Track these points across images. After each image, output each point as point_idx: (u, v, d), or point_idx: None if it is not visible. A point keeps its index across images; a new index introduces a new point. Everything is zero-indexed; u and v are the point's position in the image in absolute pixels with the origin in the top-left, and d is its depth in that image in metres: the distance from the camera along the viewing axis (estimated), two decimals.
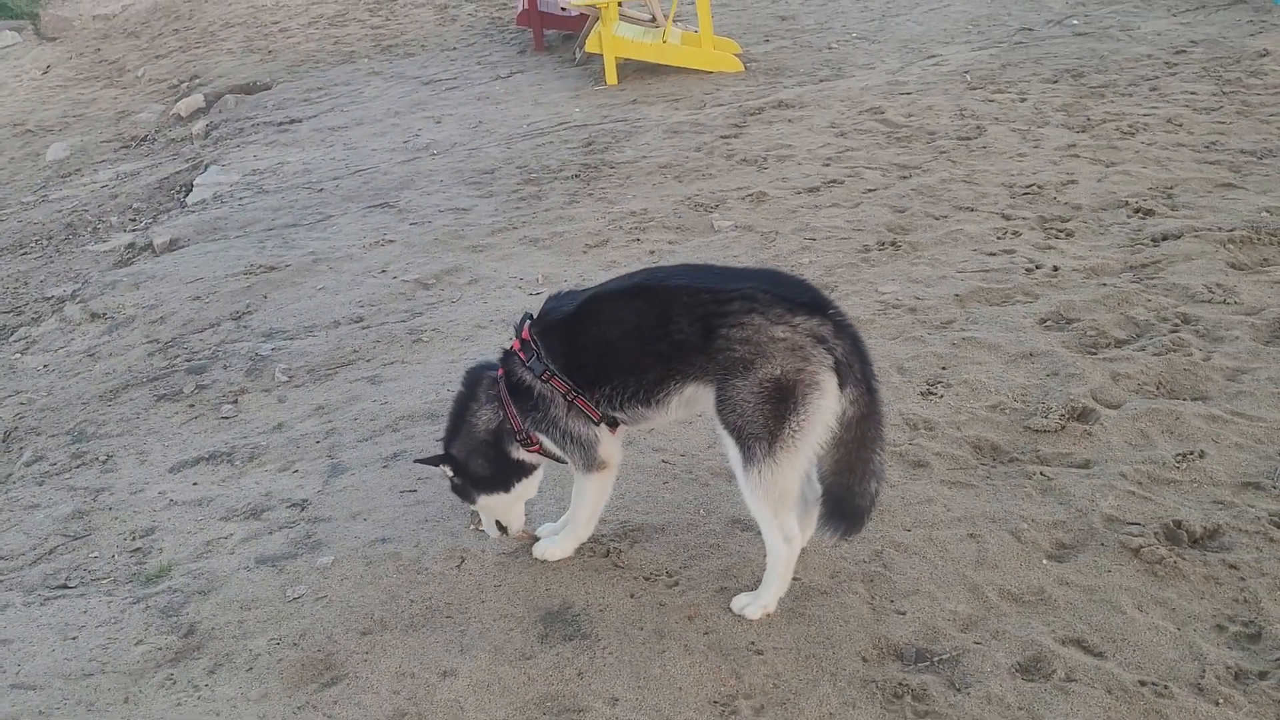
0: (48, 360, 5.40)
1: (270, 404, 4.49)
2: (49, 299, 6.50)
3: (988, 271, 4.63)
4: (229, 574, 3.21)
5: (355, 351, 4.81)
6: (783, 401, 2.51)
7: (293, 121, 9.26)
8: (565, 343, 2.78)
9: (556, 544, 3.03)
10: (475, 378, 2.99)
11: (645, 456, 3.58)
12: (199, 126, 9.89)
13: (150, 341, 5.34)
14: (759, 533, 2.89)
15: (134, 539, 3.59)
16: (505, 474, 2.95)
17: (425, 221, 6.38)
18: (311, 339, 5.02)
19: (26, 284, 6.96)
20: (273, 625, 2.91)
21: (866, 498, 2.64)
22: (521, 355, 2.82)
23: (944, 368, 3.90)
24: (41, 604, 3.20)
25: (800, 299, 2.60)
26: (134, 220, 8.01)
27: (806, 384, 2.51)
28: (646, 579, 2.93)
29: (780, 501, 2.58)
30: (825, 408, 2.53)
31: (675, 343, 2.63)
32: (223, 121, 9.81)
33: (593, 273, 5.32)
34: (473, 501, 3.02)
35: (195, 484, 3.92)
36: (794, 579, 2.81)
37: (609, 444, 2.84)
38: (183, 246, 6.63)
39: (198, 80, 11.34)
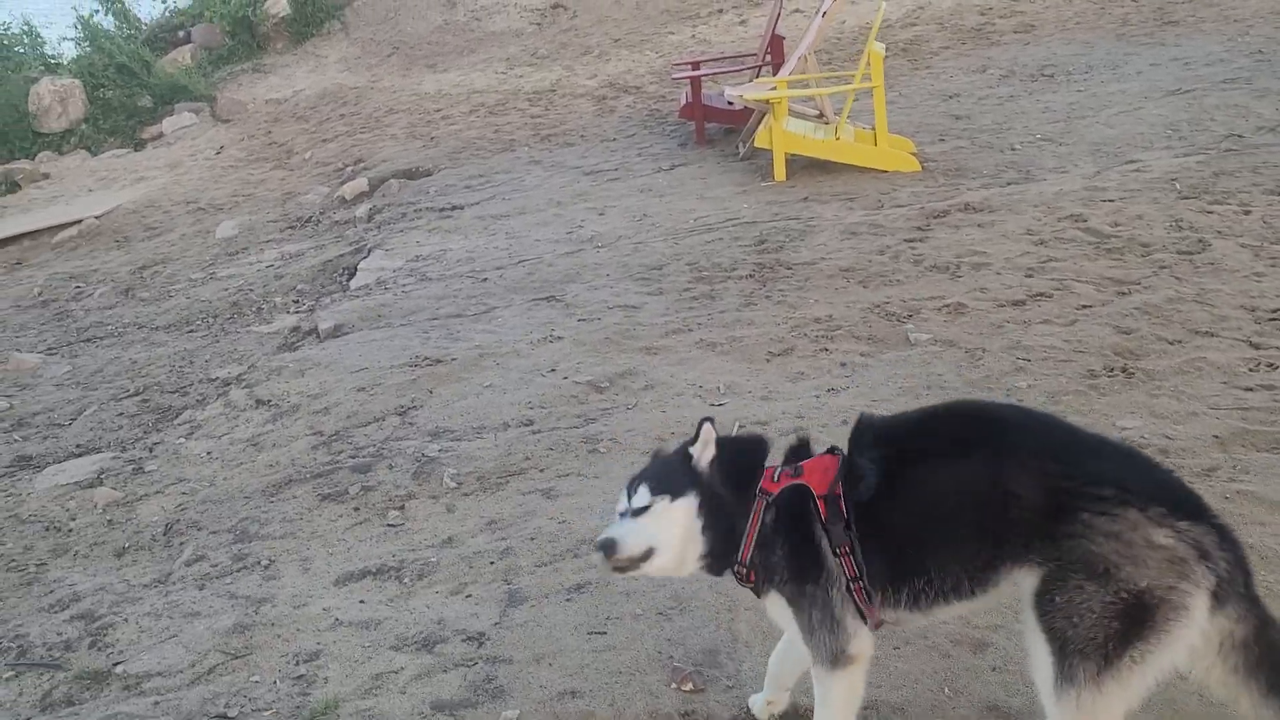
0: (211, 447, 5.26)
1: (439, 513, 4.20)
2: (214, 380, 6.45)
3: (1247, 410, 4.04)
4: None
5: (527, 459, 4.50)
6: (1137, 622, 2.02)
7: (455, 208, 9.24)
8: (884, 515, 2.22)
9: None
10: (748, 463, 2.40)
11: None
12: (362, 210, 9.99)
13: (314, 433, 5.16)
14: None
15: (298, 663, 3.29)
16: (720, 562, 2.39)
17: (594, 318, 6.11)
18: (480, 441, 4.74)
19: (192, 363, 6.96)
20: None
21: None
22: (823, 508, 2.26)
23: None
24: None
25: (1181, 499, 2.11)
26: (297, 302, 8.01)
27: (1173, 606, 2.02)
28: None
29: None
30: (1183, 638, 2.03)
31: (1011, 520, 2.13)
32: (386, 206, 9.88)
33: (778, 384, 4.92)
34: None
35: (362, 601, 3.62)
36: None
37: (865, 637, 2.31)
38: (347, 333, 6.52)
39: (362, 164, 11.54)
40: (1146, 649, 2.01)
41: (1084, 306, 5.28)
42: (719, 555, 2.36)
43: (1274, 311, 4.94)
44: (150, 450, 5.36)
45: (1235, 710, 2.14)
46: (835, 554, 2.24)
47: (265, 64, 16.77)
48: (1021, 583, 2.14)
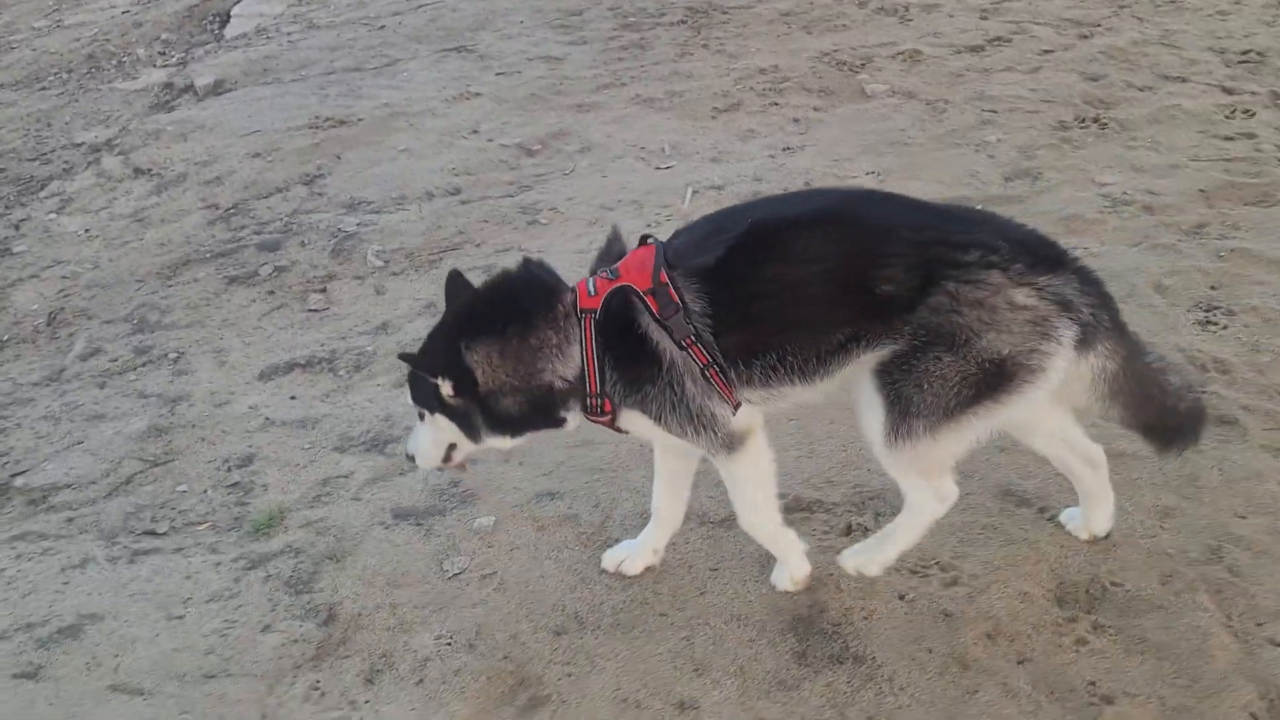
0: (88, 224, 4.64)
1: (367, 295, 3.78)
2: (79, 146, 5.67)
3: (1230, 161, 3.84)
4: (362, 531, 2.58)
5: (460, 233, 4.07)
6: (990, 386, 1.96)
7: None
8: (721, 292, 2.01)
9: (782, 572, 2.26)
10: (538, 287, 2.10)
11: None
12: None
13: (208, 206, 4.58)
14: (1040, 509, 2.38)
15: (229, 469, 2.94)
16: (526, 425, 2.13)
17: (513, 71, 5.50)
18: (403, 214, 4.27)
19: (49, 125, 6.11)
20: (436, 615, 2.29)
21: (1183, 397, 2.15)
22: (654, 304, 2.00)
23: (1214, 287, 3.16)
24: (130, 561, 2.57)
25: (1041, 252, 2.00)
26: (163, 54, 7.07)
27: (1030, 369, 1.95)
28: (913, 573, 2.28)
29: (941, 467, 2.08)
30: (1035, 395, 1.98)
31: (877, 298, 1.96)
32: None
33: (727, 143, 4.52)
34: (429, 411, 2.14)
35: (293, 398, 3.25)
36: (1115, 584, 2.18)
37: (742, 414, 2.09)
38: (230, 90, 5.77)
39: None
40: (995, 407, 1.97)
41: (1046, 51, 4.94)
42: (550, 407, 2.09)
43: (1243, 54, 4.69)
44: (16, 228, 4.71)
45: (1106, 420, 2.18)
46: (681, 347, 2.00)
47: None
48: (867, 359, 2.01)
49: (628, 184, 4.26)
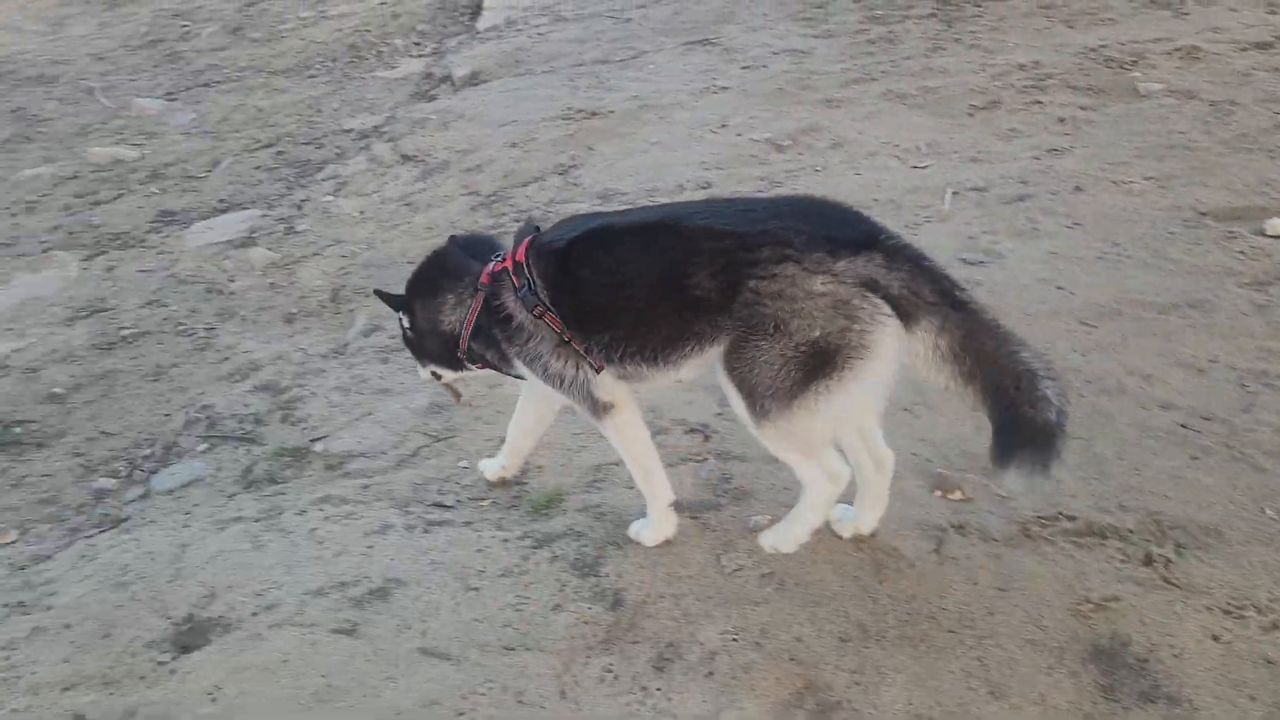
0: (363, 206, 4.97)
1: None
2: (348, 132, 6.08)
3: None
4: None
5: None
6: (818, 365, 2.14)
7: None
8: (562, 275, 2.37)
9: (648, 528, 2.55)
10: (462, 262, 2.58)
11: (1153, 415, 2.76)
12: None
13: (470, 193, 4.82)
14: None
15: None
16: (454, 362, 2.66)
17: (759, 65, 5.51)
18: (656, 204, 4.35)
19: (320, 112, 6.58)
20: (720, 609, 2.33)
21: (1044, 407, 2.07)
22: (514, 279, 2.40)
23: None
24: (425, 530, 2.74)
25: (844, 238, 2.16)
26: (419, 44, 7.48)
27: (852, 345, 2.12)
28: (1226, 613, 2.16)
29: (811, 445, 2.27)
30: (873, 366, 2.13)
31: (695, 299, 2.22)
32: None
33: (987, 142, 4.39)
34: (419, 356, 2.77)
35: None
36: None
37: (609, 384, 2.43)
38: (486, 81, 6.04)
39: None
40: (833, 384, 2.14)
41: None
42: (444, 354, 2.65)
43: None
44: (299, 208, 5.09)
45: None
46: (535, 316, 2.37)
47: None
48: (713, 352, 2.27)
49: (882, 183, 4.20)
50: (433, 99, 6.05)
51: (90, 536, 2.98)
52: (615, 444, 2.52)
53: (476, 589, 2.49)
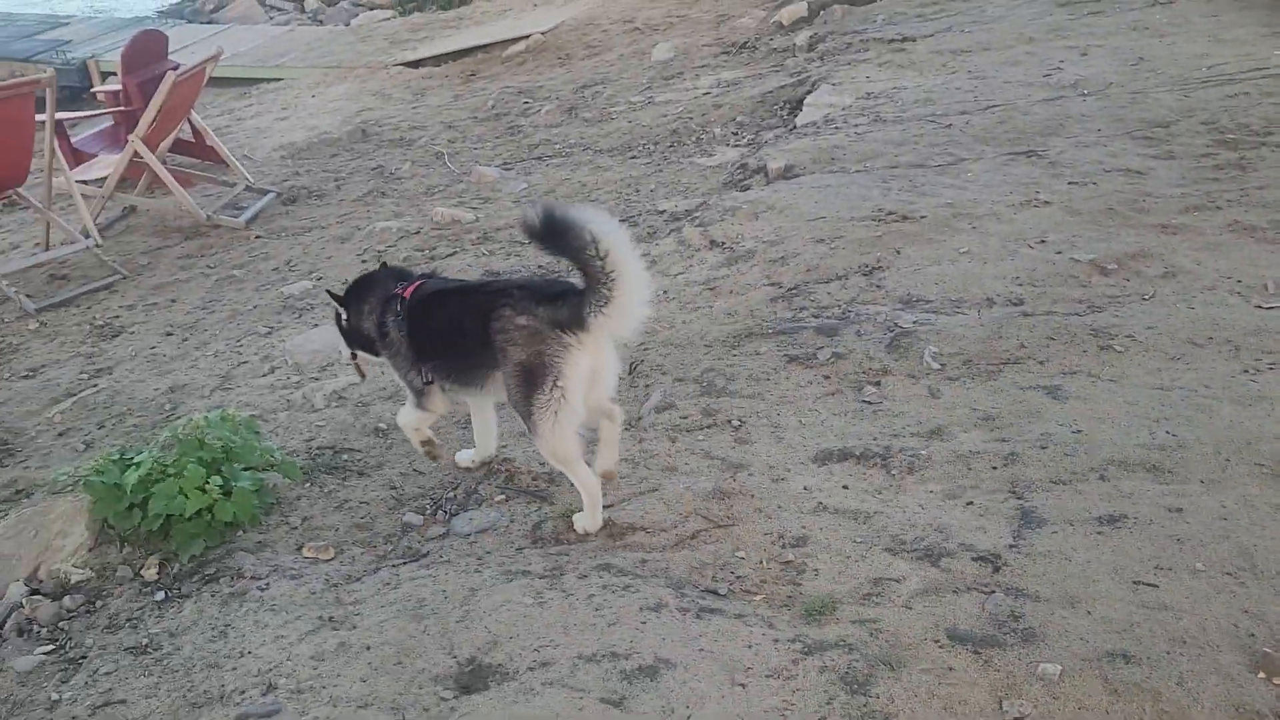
0: (667, 286, 5.17)
1: (920, 396, 3.80)
2: (661, 213, 6.37)
3: None
4: (916, 644, 2.57)
5: (1021, 346, 3.96)
6: (532, 380, 3.10)
7: (906, 40, 8.45)
8: (416, 317, 3.39)
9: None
10: (387, 288, 3.53)
11: None
12: (802, 38, 9.45)
13: (772, 284, 4.90)
14: None
15: (784, 545, 3.09)
16: (368, 350, 3.66)
17: (1087, 181, 5.29)
18: (961, 317, 4.25)
19: (638, 191, 6.94)
20: None
21: None
22: (399, 306, 3.42)
23: None
24: (697, 615, 2.78)
25: (550, 295, 3.09)
26: (736, 134, 7.75)
27: (547, 361, 3.07)
28: None
29: (563, 454, 3.17)
30: (570, 374, 3.07)
31: (474, 339, 3.20)
32: (828, 34, 9.27)
33: None
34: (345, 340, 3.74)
35: (846, 487, 3.34)
36: None
37: (437, 398, 3.51)
38: (798, 175, 6.15)
39: None
40: (547, 392, 3.07)
41: None
42: (370, 345, 3.63)
43: None
44: None
45: None
46: (399, 334, 3.43)
47: None
48: (498, 376, 3.23)
49: (1220, 320, 3.89)
50: (745, 189, 6.23)
51: (395, 566, 3.25)
52: (404, 420, 3.63)
53: (743, 685, 2.49)
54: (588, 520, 3.29)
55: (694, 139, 7.85)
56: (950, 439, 3.50)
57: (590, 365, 3.08)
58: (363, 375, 3.98)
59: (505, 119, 9.50)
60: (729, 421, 3.86)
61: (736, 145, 7.49)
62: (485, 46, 11.74)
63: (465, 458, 3.84)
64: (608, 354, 3.14)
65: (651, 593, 2.89)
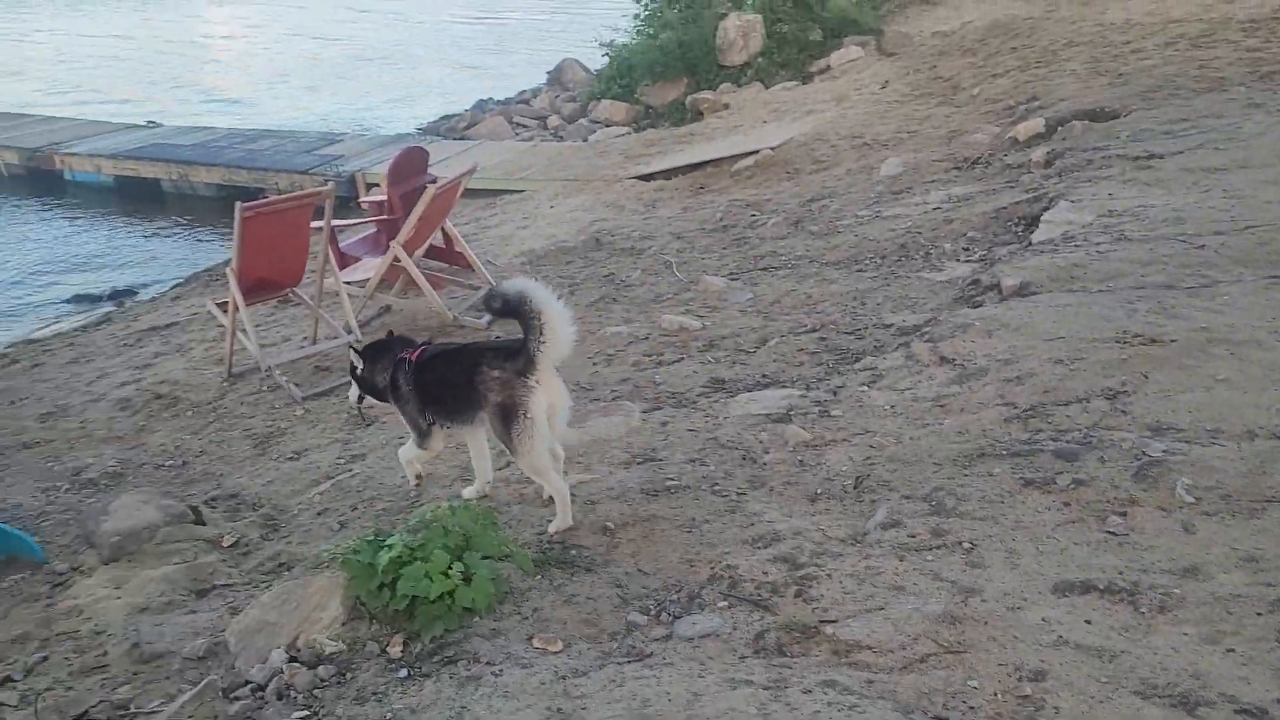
0: (894, 401, 5.12)
1: (1173, 530, 3.58)
2: (888, 327, 6.35)
3: None
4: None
5: None
6: (508, 415, 4.10)
7: (1153, 157, 8.15)
8: (421, 373, 4.36)
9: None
10: (396, 353, 4.50)
11: None
12: (1039, 154, 9.28)
13: (1006, 404, 4.77)
14: None
15: (1020, 678, 2.95)
16: (377, 393, 4.63)
17: None
18: (1219, 449, 3.99)
19: (864, 305, 6.95)
20: None
21: None
22: (408, 366, 4.37)
23: None
24: None
25: (517, 354, 4.03)
26: (968, 250, 7.65)
27: (516, 401, 4.06)
28: None
29: (538, 468, 4.20)
30: (533, 410, 4.05)
31: (464, 388, 4.20)
32: (1067, 150, 9.07)
33: None
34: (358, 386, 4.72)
35: (1088, 622, 3.17)
36: None
37: (436, 437, 4.51)
38: (1034, 293, 6.00)
39: (1036, 103, 10.77)
40: (521, 423, 4.05)
41: None
42: (380, 393, 4.61)
43: None
44: (834, 394, 5.38)
45: None
46: (408, 386, 4.39)
47: None
48: (484, 414, 4.18)
49: None
50: (977, 305, 6.13)
51: (620, 664, 3.32)
52: (410, 453, 4.66)
53: None
54: (560, 523, 4.28)
55: (922, 254, 7.80)
56: (1207, 579, 3.27)
57: (546, 399, 4.07)
58: (365, 420, 5.62)
59: (732, 230, 9.77)
60: (960, 543, 3.75)
61: (968, 261, 7.39)
62: (715, 161, 12.16)
63: (469, 492, 4.72)
64: (558, 386, 4.12)
65: (879, 715, 2.82)
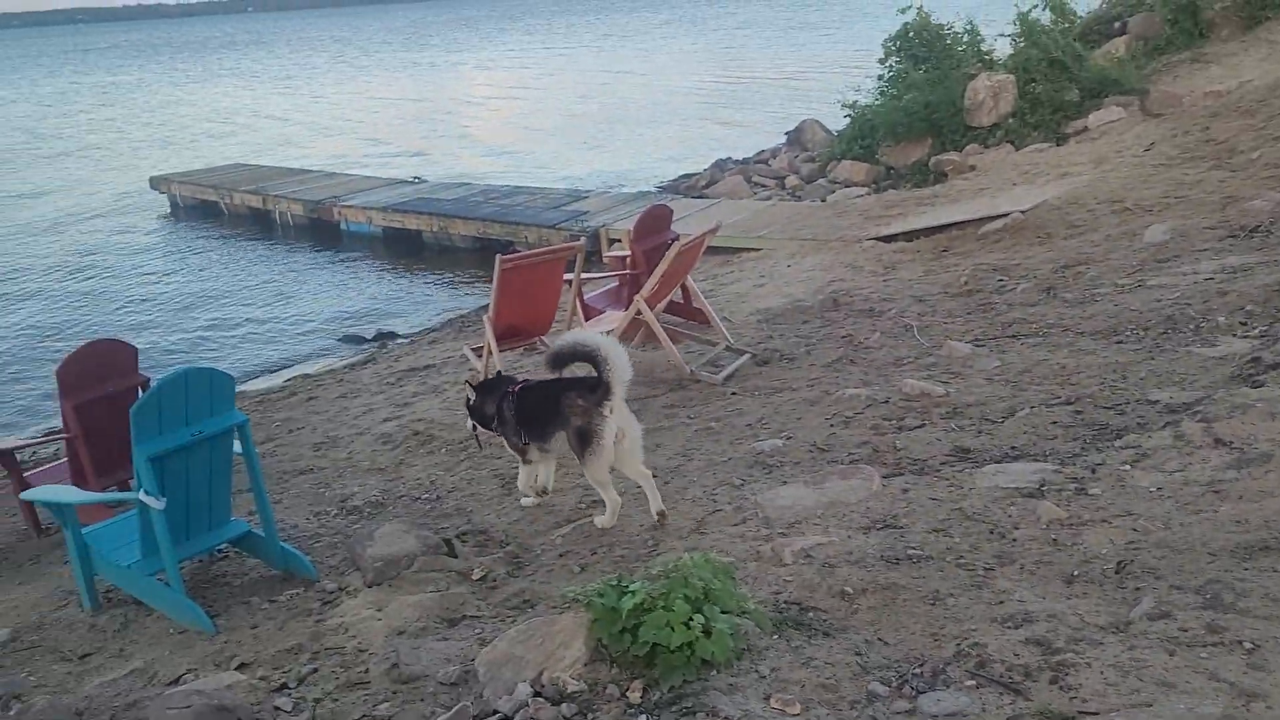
0: (1161, 483, 4.78)
1: None
2: (1154, 403, 5.94)
3: None
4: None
5: None
6: (588, 437, 5.21)
7: None
8: (519, 402, 5.59)
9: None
10: (503, 388, 5.74)
11: None
12: None
13: None
14: None
15: None
16: (485, 421, 5.87)
17: None
18: None
19: (1125, 379, 6.54)
20: None
21: None
22: (511, 399, 5.61)
23: None
24: None
25: (595, 386, 5.15)
26: (1245, 325, 7.07)
27: (594, 426, 5.17)
28: None
29: (602, 480, 5.34)
30: (607, 433, 5.16)
31: (553, 414, 5.38)
32: None
33: None
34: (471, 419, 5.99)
35: None
36: None
37: (532, 452, 5.70)
38: None
39: None
40: (596, 444, 5.16)
41: None
42: (488, 421, 5.86)
43: None
44: (1092, 471, 5.09)
45: None
46: (510, 413, 5.63)
47: (1206, 53, 15.48)
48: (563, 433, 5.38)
49: None
50: (1258, 385, 5.64)
51: None
52: (523, 475, 5.89)
53: None
54: (606, 520, 5.43)
55: (1192, 327, 7.28)
56: None
57: (617, 424, 5.16)
58: (480, 445, 6.62)
59: (978, 295, 9.46)
60: (1240, 642, 3.44)
61: (1245, 336, 6.83)
62: (960, 224, 11.85)
63: (528, 502, 5.95)
64: (627, 414, 5.27)
65: None
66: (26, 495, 5.92)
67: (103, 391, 6.54)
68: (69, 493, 5.53)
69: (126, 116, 47.87)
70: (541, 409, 5.42)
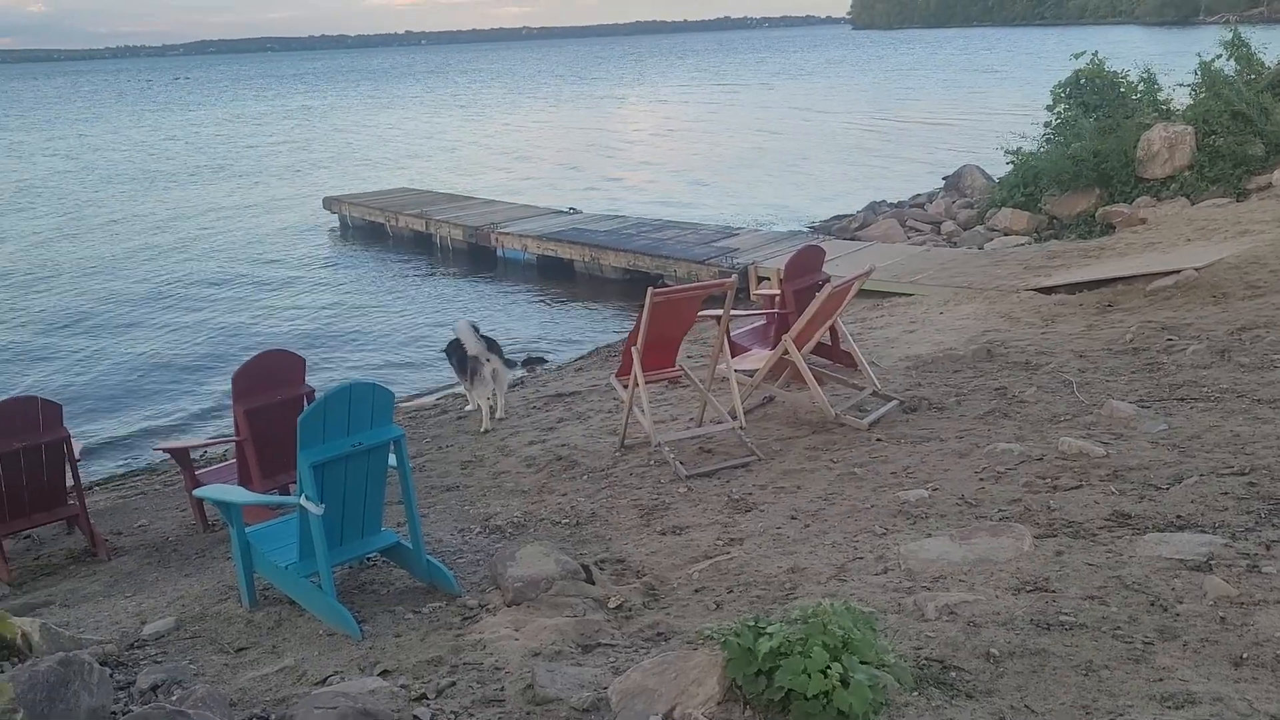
0: None
1: None
2: None
3: None
4: None
5: None
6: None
7: None
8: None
9: None
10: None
11: None
12: None
13: None
14: None
15: None
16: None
17: None
18: None
19: None
20: None
21: None
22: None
23: None
24: None
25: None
26: None
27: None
28: None
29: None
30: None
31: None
32: None
33: None
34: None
35: None
36: None
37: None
38: None
39: None
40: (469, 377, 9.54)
41: None
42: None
43: None
44: (1266, 548, 4.77)
45: None
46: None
47: None
48: None
49: None
50: None
51: None
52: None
53: None
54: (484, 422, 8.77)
55: None
56: None
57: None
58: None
59: (1144, 354, 9.03)
60: None
61: None
62: (1127, 278, 11.35)
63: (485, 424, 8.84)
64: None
65: None
66: (199, 492, 6.30)
67: (272, 399, 6.92)
68: (236, 493, 5.85)
69: (319, 139, 51.11)
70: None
